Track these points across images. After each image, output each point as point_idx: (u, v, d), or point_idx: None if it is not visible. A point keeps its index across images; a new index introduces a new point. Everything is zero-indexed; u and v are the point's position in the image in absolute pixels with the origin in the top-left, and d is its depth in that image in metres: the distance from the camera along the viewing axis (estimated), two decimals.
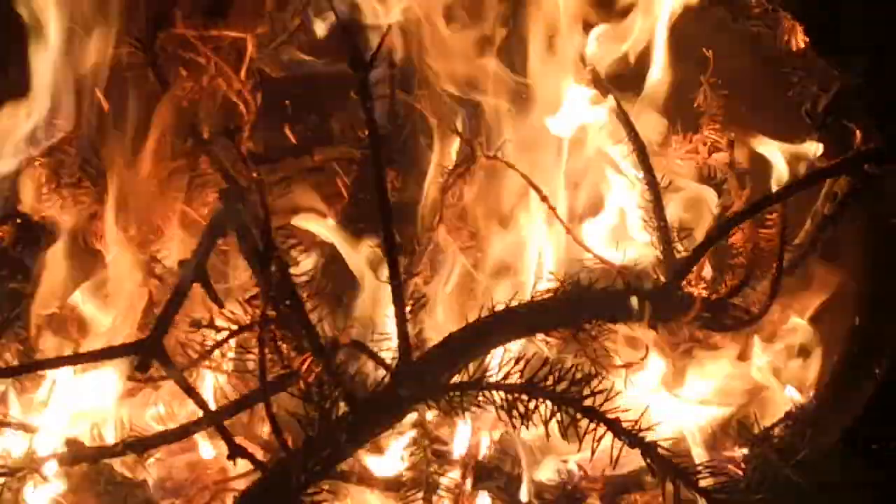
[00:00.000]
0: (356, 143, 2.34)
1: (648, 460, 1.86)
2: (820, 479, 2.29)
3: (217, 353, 2.03)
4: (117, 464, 2.20)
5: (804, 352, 2.53)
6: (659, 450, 1.86)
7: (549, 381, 1.85)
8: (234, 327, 2.04)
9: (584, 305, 2.16)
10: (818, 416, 2.44)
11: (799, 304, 2.52)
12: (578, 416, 1.82)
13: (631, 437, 1.83)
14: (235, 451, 1.96)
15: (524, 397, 1.82)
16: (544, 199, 2.31)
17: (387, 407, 1.92)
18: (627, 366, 2.27)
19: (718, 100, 2.52)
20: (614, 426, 1.82)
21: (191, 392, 1.98)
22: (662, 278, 2.30)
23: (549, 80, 2.48)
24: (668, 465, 1.86)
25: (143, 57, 2.14)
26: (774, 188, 2.41)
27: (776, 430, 2.43)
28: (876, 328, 2.54)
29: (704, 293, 2.32)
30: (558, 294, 2.13)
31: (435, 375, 1.93)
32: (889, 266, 2.55)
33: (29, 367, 1.98)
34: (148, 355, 1.91)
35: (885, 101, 2.50)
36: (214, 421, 2.01)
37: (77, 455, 2.07)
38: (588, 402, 1.83)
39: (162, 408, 2.22)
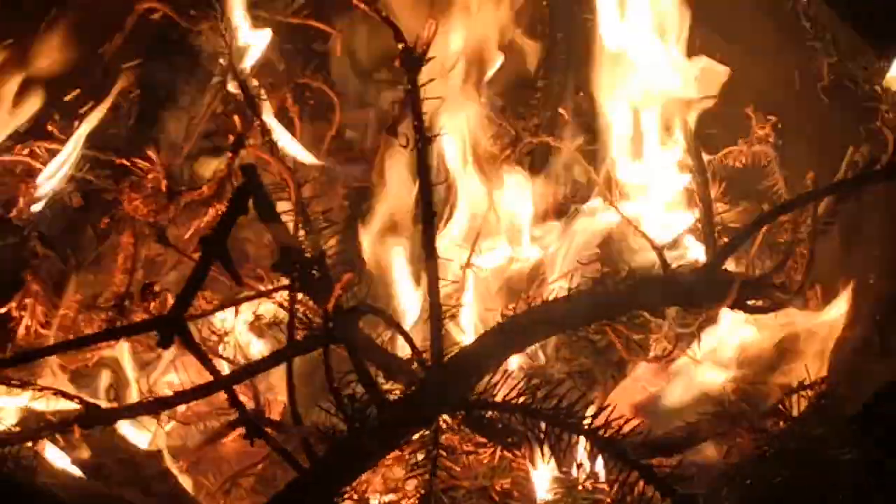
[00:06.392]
0: None
1: None
2: (835, 455, 2.27)
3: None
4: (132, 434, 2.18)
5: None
6: None
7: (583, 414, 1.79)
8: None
9: (623, 297, 2.09)
10: (836, 390, 2.42)
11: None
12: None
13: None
14: (254, 431, 1.93)
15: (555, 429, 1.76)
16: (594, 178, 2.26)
17: (417, 413, 1.86)
18: (659, 359, 2.25)
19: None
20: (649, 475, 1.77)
21: (208, 363, 1.95)
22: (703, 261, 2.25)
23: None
24: None
25: None
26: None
27: (793, 402, 2.41)
28: None
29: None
30: (597, 286, 2.07)
31: (468, 378, 1.87)
32: None
33: (53, 350, 1.92)
34: (170, 331, 1.86)
35: None
36: (228, 385, 1.98)
37: (93, 417, 2.03)
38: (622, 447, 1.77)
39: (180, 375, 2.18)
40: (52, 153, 2.40)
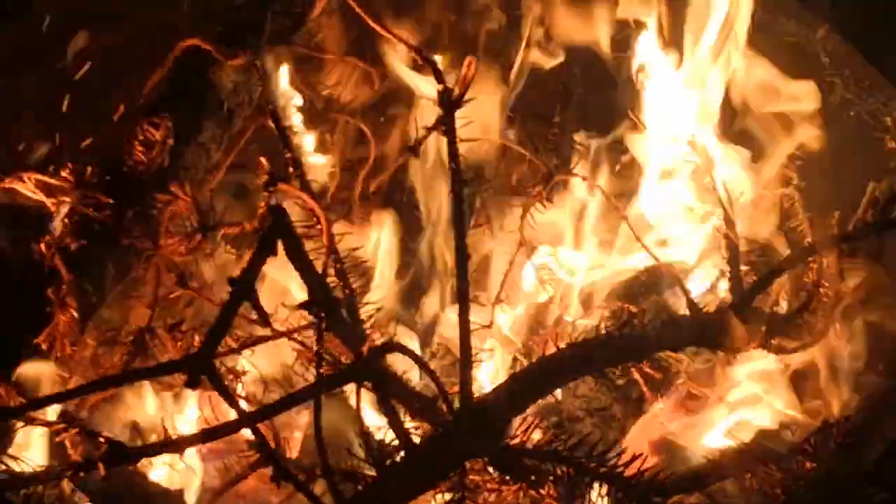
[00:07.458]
0: None
1: None
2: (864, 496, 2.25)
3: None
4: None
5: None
6: None
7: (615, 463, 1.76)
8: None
9: (652, 338, 2.08)
10: (863, 428, 2.40)
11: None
12: None
13: None
14: (281, 473, 1.91)
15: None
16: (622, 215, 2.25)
17: (445, 457, 1.83)
18: (679, 395, 2.24)
19: None
20: None
21: (234, 403, 1.93)
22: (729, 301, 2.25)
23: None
24: None
25: None
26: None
27: (817, 441, 2.39)
28: None
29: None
30: (625, 327, 2.05)
31: (496, 422, 1.85)
32: None
33: (79, 391, 1.90)
34: (198, 372, 1.84)
35: None
36: (253, 423, 1.96)
37: (117, 455, 2.01)
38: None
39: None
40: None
